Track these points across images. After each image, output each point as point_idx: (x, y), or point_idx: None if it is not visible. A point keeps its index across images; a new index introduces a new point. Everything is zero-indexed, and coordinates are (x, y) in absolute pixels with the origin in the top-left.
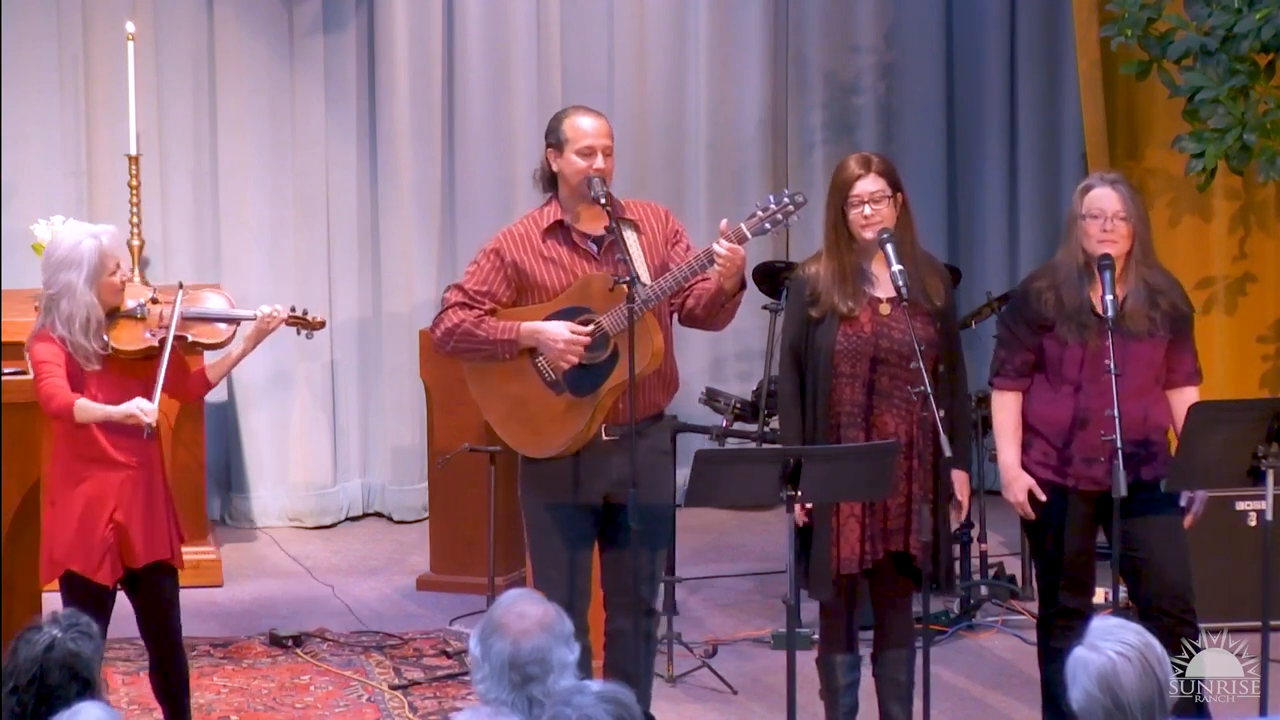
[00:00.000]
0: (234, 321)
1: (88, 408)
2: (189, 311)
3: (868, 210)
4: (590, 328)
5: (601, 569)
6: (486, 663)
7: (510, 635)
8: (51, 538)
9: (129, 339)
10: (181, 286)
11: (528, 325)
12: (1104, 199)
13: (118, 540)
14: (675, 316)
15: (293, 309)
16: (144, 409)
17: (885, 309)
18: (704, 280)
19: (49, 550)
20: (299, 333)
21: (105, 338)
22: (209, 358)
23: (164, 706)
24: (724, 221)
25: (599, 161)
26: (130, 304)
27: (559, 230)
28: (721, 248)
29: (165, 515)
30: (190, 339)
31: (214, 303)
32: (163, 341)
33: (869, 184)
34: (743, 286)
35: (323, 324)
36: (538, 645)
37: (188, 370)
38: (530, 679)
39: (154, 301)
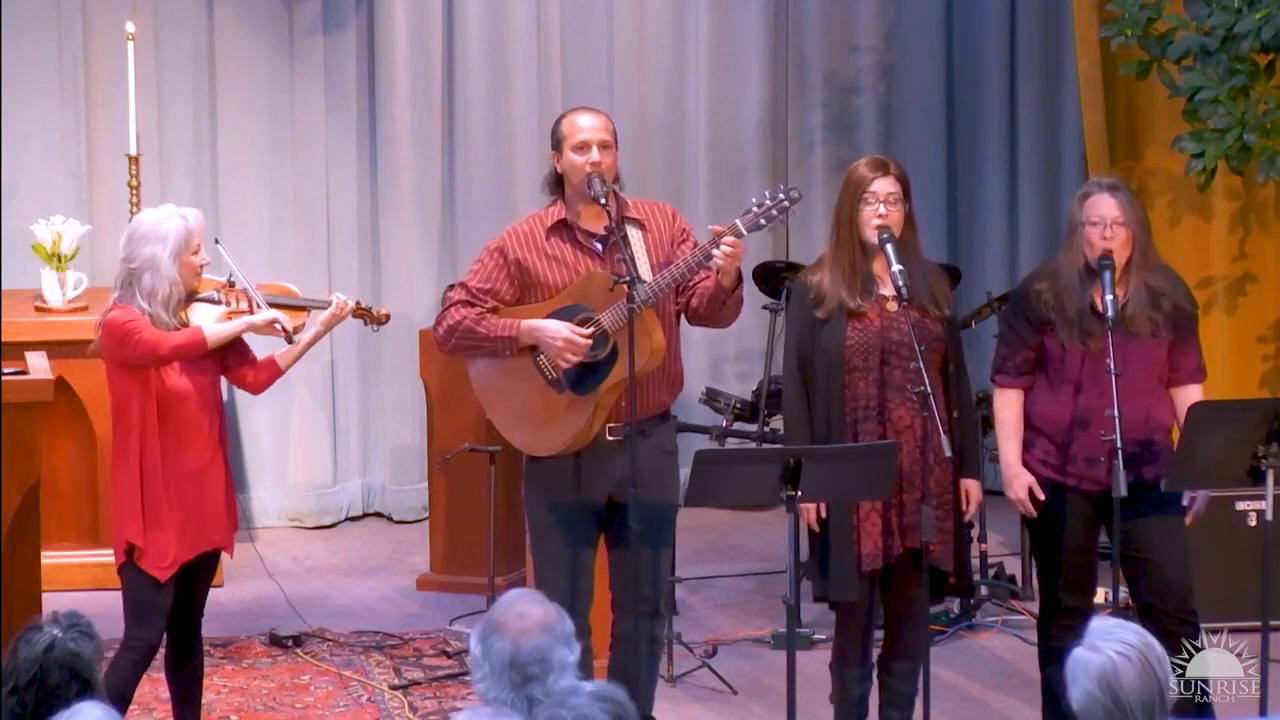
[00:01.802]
0: (305, 310)
1: (219, 329)
2: (265, 298)
3: (882, 209)
4: (590, 329)
5: (609, 570)
6: (486, 662)
7: (510, 635)
8: (119, 529)
9: (208, 321)
10: (217, 241)
11: (528, 323)
12: (1103, 205)
13: (180, 536)
14: (682, 317)
15: (358, 302)
16: (283, 315)
17: (892, 306)
18: (706, 279)
19: (119, 536)
20: (365, 324)
21: (184, 316)
22: (275, 346)
23: (175, 698)
24: (713, 226)
25: (594, 155)
26: (205, 292)
27: (563, 229)
28: (718, 248)
29: (227, 505)
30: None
31: (285, 291)
32: (248, 303)
33: (886, 184)
34: (740, 281)
35: (388, 317)
36: (538, 645)
37: (255, 359)
38: (530, 679)
39: (229, 286)
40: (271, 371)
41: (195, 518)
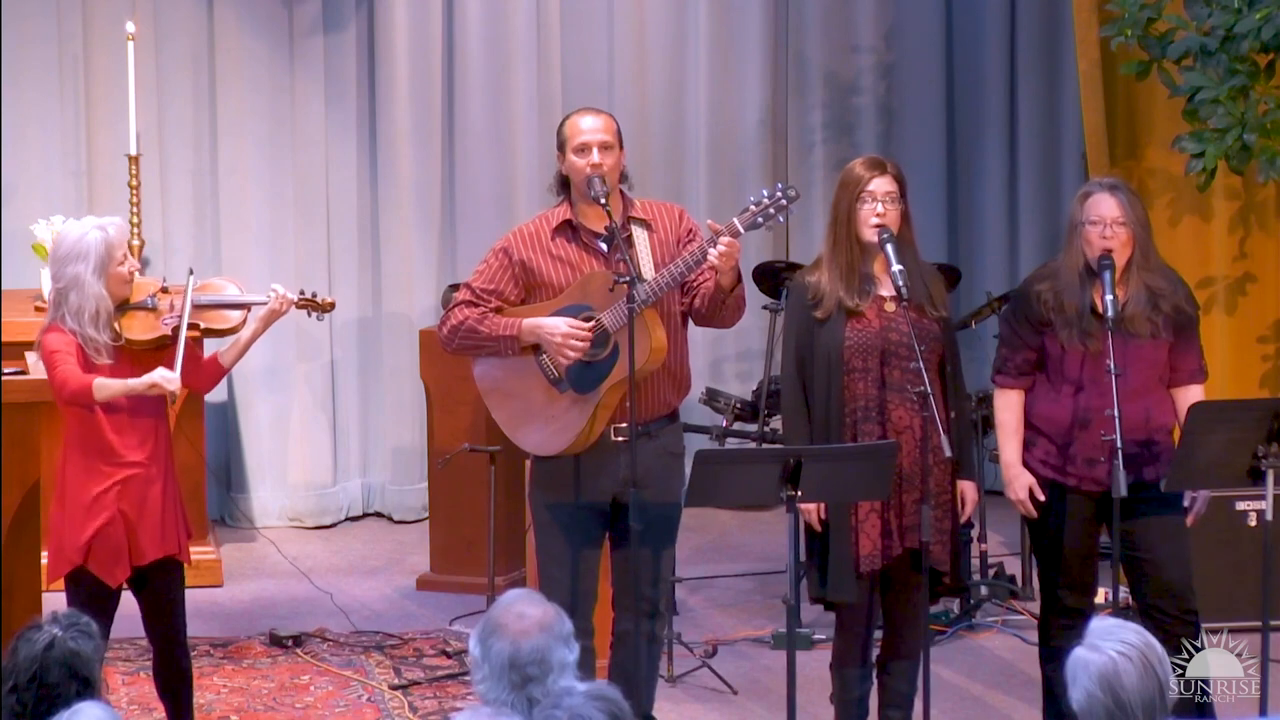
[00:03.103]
0: (245, 307)
1: (106, 384)
2: (200, 299)
3: (880, 208)
4: (591, 325)
5: (612, 570)
6: (486, 663)
7: (510, 636)
8: (60, 535)
9: (141, 329)
10: (191, 273)
11: (529, 321)
12: (1103, 204)
13: (126, 540)
14: (689, 318)
15: (301, 292)
16: (166, 377)
17: (890, 306)
18: (708, 279)
19: (57, 547)
20: (310, 314)
21: (116, 327)
22: (220, 345)
23: (166, 705)
24: (710, 222)
25: (594, 156)
26: (140, 296)
27: (568, 229)
28: (715, 248)
29: (174, 512)
30: (203, 326)
31: (224, 290)
32: (176, 329)
33: (884, 183)
34: (739, 280)
35: (333, 305)
36: (537, 646)
37: (200, 358)
38: (530, 679)
39: (164, 291)
40: (215, 371)
41: (141, 525)
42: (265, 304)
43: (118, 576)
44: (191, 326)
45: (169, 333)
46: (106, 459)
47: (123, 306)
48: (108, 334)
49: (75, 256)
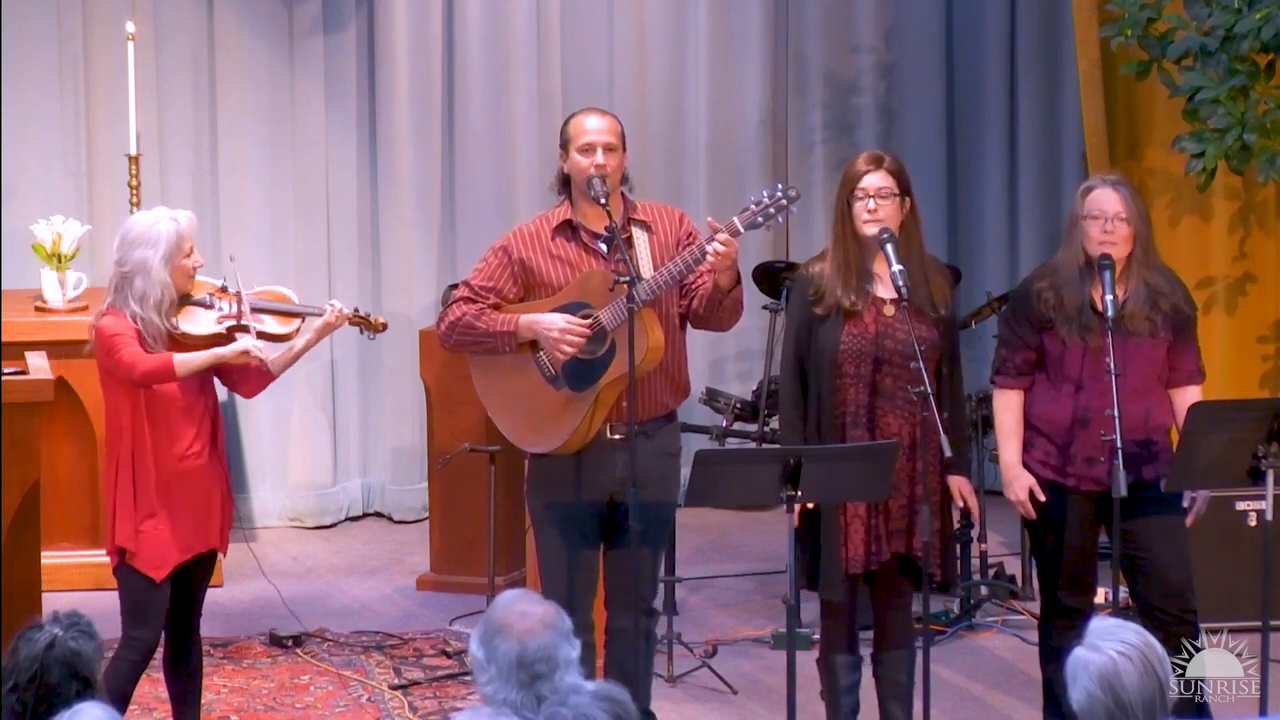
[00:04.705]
0: (300, 316)
1: (188, 359)
2: (257, 304)
3: (872, 204)
4: (589, 321)
5: (605, 568)
6: (493, 664)
7: (515, 635)
8: (113, 529)
9: (198, 324)
10: (232, 259)
11: (526, 317)
12: (1105, 200)
13: (174, 536)
14: (687, 322)
15: (355, 310)
16: (256, 345)
17: (889, 310)
18: (707, 282)
19: (111, 540)
20: (361, 332)
21: (175, 320)
22: (271, 351)
23: (174, 698)
24: (710, 219)
25: (598, 157)
26: (199, 294)
27: (568, 229)
28: (712, 245)
29: (220, 504)
30: (258, 330)
31: (282, 298)
32: (232, 328)
33: (877, 179)
34: (738, 281)
35: (385, 326)
36: (543, 643)
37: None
38: (538, 677)
39: (222, 291)
40: (263, 377)
41: (189, 519)
42: (320, 315)
43: (163, 571)
44: (245, 329)
45: (224, 331)
46: (158, 456)
47: (182, 300)
48: (167, 325)
49: (145, 242)
